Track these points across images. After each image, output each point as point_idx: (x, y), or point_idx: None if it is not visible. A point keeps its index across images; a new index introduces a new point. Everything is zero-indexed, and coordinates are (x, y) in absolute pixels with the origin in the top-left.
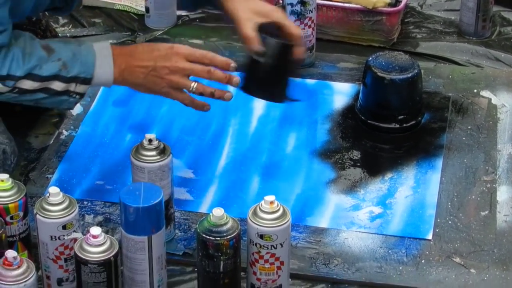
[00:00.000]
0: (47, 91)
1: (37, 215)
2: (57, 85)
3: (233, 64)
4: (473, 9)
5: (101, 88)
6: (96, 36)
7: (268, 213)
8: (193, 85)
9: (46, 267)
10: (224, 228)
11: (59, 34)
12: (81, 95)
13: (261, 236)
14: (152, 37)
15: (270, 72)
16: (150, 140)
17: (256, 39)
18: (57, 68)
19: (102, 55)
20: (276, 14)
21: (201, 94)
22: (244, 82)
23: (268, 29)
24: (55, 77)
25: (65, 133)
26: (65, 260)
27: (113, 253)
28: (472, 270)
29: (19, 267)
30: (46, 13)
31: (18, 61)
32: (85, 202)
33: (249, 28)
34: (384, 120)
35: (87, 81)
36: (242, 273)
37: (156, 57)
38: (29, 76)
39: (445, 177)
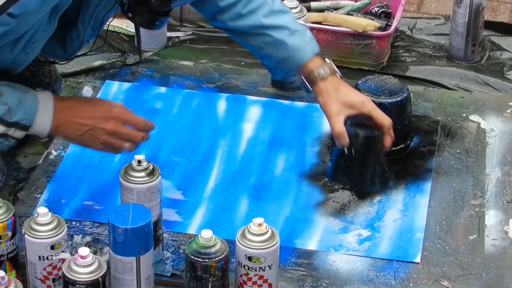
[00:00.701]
0: None
1: (26, 235)
2: None
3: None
4: (463, 33)
5: None
6: (86, 56)
7: (257, 235)
8: (126, 145)
9: (34, 287)
10: (213, 249)
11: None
12: (17, 140)
13: (250, 258)
14: (142, 58)
15: (359, 163)
16: (139, 161)
17: (345, 134)
18: (1, 112)
19: (44, 106)
20: (366, 106)
21: (130, 151)
22: (333, 171)
23: (358, 119)
24: None
25: (54, 153)
26: (53, 280)
27: (101, 274)
28: None
29: (7, 287)
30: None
31: None
32: (74, 222)
33: (338, 123)
34: None
35: (25, 128)
36: None
37: (96, 117)
38: None
39: (433, 200)
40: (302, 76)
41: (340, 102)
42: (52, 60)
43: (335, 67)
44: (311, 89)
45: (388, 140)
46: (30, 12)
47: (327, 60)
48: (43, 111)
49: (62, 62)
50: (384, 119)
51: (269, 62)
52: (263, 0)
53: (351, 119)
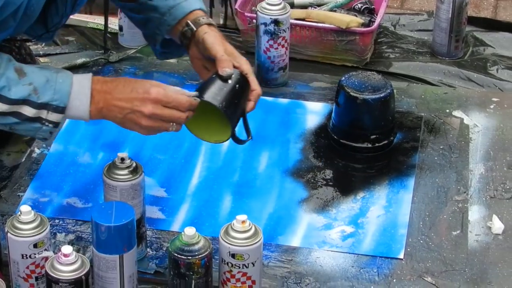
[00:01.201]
0: (17, 116)
1: (8, 234)
2: (28, 111)
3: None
4: (446, 29)
5: None
6: (69, 54)
7: (240, 232)
8: (172, 127)
9: (17, 286)
10: (196, 247)
11: (33, 52)
12: (55, 124)
13: (233, 255)
14: (125, 55)
15: (233, 94)
16: (122, 159)
17: (230, 63)
18: (26, 92)
19: (80, 86)
20: (246, 65)
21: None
22: (203, 91)
23: None
24: (25, 101)
25: (37, 151)
26: (36, 278)
27: (84, 272)
28: None
29: None
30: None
31: None
32: (57, 221)
33: (223, 53)
34: (356, 140)
35: (59, 109)
36: None
37: (133, 99)
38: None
39: (417, 196)
40: (187, 21)
41: (226, 48)
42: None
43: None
44: (195, 29)
45: (250, 105)
46: None
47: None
48: (78, 92)
49: (46, 39)
50: (257, 85)
51: (153, 17)
52: None
53: None
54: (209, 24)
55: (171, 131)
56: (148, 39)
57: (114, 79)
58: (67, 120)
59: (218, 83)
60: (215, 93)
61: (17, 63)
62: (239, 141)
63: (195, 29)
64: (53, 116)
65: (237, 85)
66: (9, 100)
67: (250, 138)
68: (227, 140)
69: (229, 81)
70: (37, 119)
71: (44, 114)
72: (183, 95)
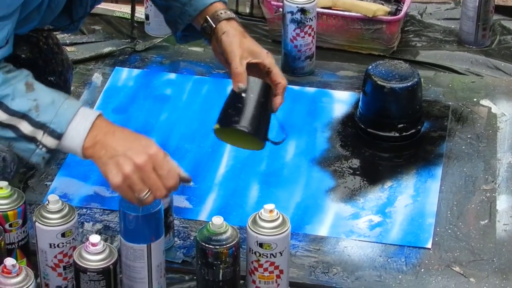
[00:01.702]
0: (15, 130)
1: (36, 223)
2: (25, 127)
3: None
4: (473, 18)
5: (101, 95)
6: (95, 43)
7: (268, 221)
8: (145, 195)
9: (45, 275)
10: (224, 236)
11: (60, 41)
12: (49, 149)
13: (261, 245)
14: (152, 44)
15: (253, 107)
16: None
17: (244, 75)
18: (27, 107)
19: (84, 118)
20: (268, 59)
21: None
22: (223, 117)
23: (255, 71)
24: (24, 116)
25: None
26: (64, 268)
27: (112, 261)
28: (472, 279)
29: (18, 275)
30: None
31: None
32: (84, 210)
33: (240, 64)
34: (383, 129)
35: (55, 134)
36: (241, 282)
37: (131, 147)
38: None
39: (444, 186)
40: (206, 17)
41: (244, 47)
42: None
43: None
44: (214, 26)
45: (278, 100)
46: None
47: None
48: (79, 122)
49: (71, 30)
50: (282, 78)
51: (175, 6)
52: None
53: (250, 68)
54: (229, 19)
55: (138, 200)
56: (169, 25)
57: (120, 126)
58: (94, 109)
59: (237, 105)
60: (237, 117)
61: (32, 79)
62: (275, 143)
63: (214, 26)
64: (48, 140)
65: (257, 97)
66: (9, 110)
67: (285, 137)
68: (262, 148)
69: (246, 95)
70: (33, 139)
71: (39, 135)
72: (178, 174)
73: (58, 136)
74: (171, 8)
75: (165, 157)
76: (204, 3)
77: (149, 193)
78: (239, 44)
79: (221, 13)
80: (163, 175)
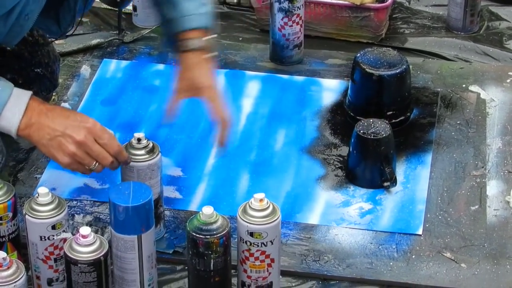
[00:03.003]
0: None
1: (26, 216)
2: None
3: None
4: (461, 4)
5: (89, 87)
6: (83, 35)
7: (258, 210)
8: (94, 165)
9: (36, 268)
10: (214, 226)
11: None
12: None
13: (251, 234)
14: (140, 36)
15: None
16: (138, 139)
17: (174, 112)
18: None
19: (18, 100)
20: (208, 93)
21: (97, 172)
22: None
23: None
24: None
25: None
26: (55, 260)
27: (103, 253)
28: (463, 265)
29: (8, 268)
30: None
31: None
32: (75, 202)
33: (174, 100)
34: (373, 116)
35: None
36: (232, 271)
37: (68, 125)
38: None
39: (434, 172)
40: (177, 40)
41: (189, 80)
42: (48, 37)
43: (210, 45)
44: (176, 56)
45: (221, 136)
46: None
47: (210, 36)
48: (14, 104)
49: (59, 39)
50: (219, 113)
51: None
52: None
53: None
54: (193, 50)
55: (90, 172)
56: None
57: (52, 105)
58: (82, 101)
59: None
60: None
61: None
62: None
63: (177, 54)
64: None
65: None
66: None
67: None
68: None
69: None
70: None
71: None
72: (116, 141)
73: None
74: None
75: (102, 127)
76: (183, 27)
77: (97, 163)
78: (186, 77)
79: (185, 44)
80: (105, 143)
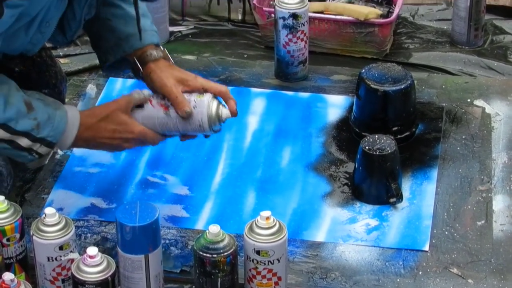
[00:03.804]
0: (12, 144)
1: (34, 237)
2: (24, 142)
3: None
4: (465, 18)
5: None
6: (89, 54)
7: (265, 228)
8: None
9: None
10: (221, 245)
11: (53, 54)
12: (41, 156)
13: (258, 252)
14: None
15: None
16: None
17: (185, 101)
18: (30, 126)
19: (72, 125)
20: (199, 80)
21: None
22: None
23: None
24: (25, 133)
25: (60, 152)
26: (63, 281)
27: (110, 273)
28: (470, 281)
29: None
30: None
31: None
32: (82, 222)
33: (178, 93)
34: (378, 132)
35: (51, 145)
36: None
37: (116, 138)
38: (4, 126)
39: (440, 187)
40: (134, 57)
41: (174, 77)
42: (54, 46)
43: (169, 55)
44: (141, 69)
45: (230, 103)
46: None
47: (161, 47)
48: (69, 130)
49: (65, 46)
50: (219, 86)
51: (109, 38)
52: None
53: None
54: (155, 60)
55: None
56: (97, 52)
57: (97, 114)
58: None
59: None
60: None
61: (27, 96)
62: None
63: (141, 68)
64: (43, 149)
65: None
66: (14, 131)
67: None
68: None
69: (197, 112)
70: (28, 150)
71: (36, 146)
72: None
73: (52, 145)
74: (105, 38)
75: (147, 133)
76: (139, 44)
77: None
78: (169, 76)
79: (148, 55)
80: (149, 143)
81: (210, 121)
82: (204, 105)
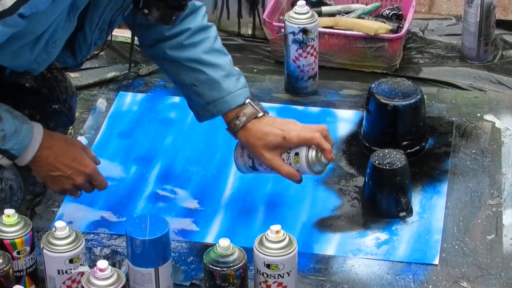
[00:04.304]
0: None
1: (44, 250)
2: None
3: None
4: (475, 33)
5: (106, 120)
6: (99, 68)
7: (274, 242)
8: (78, 194)
9: None
10: (231, 258)
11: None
12: (1, 167)
13: (268, 266)
14: (155, 68)
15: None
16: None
17: (293, 172)
18: None
19: (35, 141)
20: (289, 140)
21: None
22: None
23: None
24: None
25: None
26: None
27: (120, 286)
28: None
29: None
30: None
31: None
32: (92, 235)
33: (281, 166)
34: (388, 146)
35: (13, 158)
36: None
37: (73, 168)
38: None
39: (450, 202)
40: (226, 121)
41: (266, 148)
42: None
43: (256, 109)
44: (234, 136)
45: (326, 154)
46: (42, 12)
47: (248, 102)
48: (32, 145)
49: (75, 69)
50: (310, 139)
51: (198, 102)
52: (207, 36)
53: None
54: (244, 126)
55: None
56: (191, 108)
57: (60, 138)
58: (99, 134)
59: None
60: None
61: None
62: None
63: (234, 136)
64: (4, 162)
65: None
66: None
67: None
68: None
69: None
70: None
71: None
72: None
73: (14, 158)
74: (193, 101)
75: (98, 170)
76: (227, 108)
77: (80, 193)
78: (262, 148)
79: (237, 124)
80: (98, 185)
81: (314, 172)
82: (305, 166)
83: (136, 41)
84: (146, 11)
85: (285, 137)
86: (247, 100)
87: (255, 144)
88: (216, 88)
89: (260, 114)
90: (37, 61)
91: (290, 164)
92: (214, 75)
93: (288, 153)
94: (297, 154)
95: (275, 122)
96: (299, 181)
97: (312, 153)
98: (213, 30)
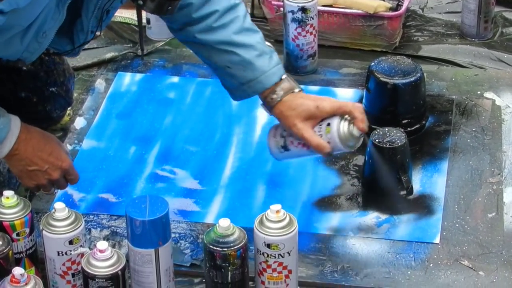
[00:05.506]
0: None
1: (43, 231)
2: None
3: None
4: (475, 10)
5: (105, 100)
6: (97, 49)
7: (275, 222)
8: (53, 191)
9: (54, 283)
10: (231, 238)
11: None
12: None
13: (268, 245)
14: (154, 48)
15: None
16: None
17: (323, 144)
18: None
19: (13, 134)
20: (322, 110)
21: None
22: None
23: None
24: None
25: (69, 147)
26: (73, 275)
27: (120, 267)
28: (481, 273)
29: (26, 283)
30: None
31: None
32: (91, 216)
33: (311, 137)
34: (388, 125)
35: None
36: (250, 283)
37: (49, 163)
38: None
39: (451, 180)
40: (261, 99)
41: (299, 118)
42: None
43: (293, 84)
44: (271, 114)
45: (358, 123)
46: (25, 7)
47: (285, 78)
48: (9, 138)
49: (72, 55)
50: (343, 107)
51: (232, 83)
52: (235, 15)
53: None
54: (281, 101)
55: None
56: (226, 89)
57: (38, 132)
58: (98, 115)
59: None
60: None
61: None
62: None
63: (270, 112)
64: None
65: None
66: None
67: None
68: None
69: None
70: None
71: None
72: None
73: None
74: (228, 83)
75: (72, 165)
76: (262, 88)
77: (54, 190)
78: (295, 118)
79: (273, 99)
80: (72, 179)
81: (346, 145)
82: (335, 137)
83: (134, 21)
84: (140, 2)
85: (318, 106)
86: (284, 76)
87: (288, 115)
88: (250, 68)
89: (297, 90)
90: (28, 50)
91: (321, 136)
92: (246, 55)
93: (320, 125)
94: (328, 124)
95: (310, 96)
96: (328, 154)
97: (345, 124)
98: (241, 8)
